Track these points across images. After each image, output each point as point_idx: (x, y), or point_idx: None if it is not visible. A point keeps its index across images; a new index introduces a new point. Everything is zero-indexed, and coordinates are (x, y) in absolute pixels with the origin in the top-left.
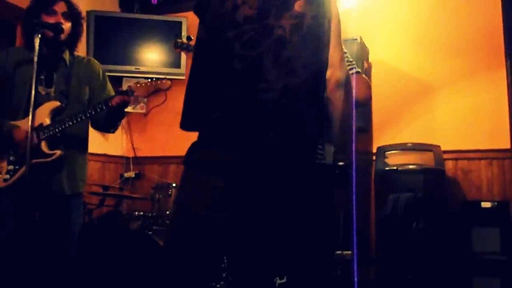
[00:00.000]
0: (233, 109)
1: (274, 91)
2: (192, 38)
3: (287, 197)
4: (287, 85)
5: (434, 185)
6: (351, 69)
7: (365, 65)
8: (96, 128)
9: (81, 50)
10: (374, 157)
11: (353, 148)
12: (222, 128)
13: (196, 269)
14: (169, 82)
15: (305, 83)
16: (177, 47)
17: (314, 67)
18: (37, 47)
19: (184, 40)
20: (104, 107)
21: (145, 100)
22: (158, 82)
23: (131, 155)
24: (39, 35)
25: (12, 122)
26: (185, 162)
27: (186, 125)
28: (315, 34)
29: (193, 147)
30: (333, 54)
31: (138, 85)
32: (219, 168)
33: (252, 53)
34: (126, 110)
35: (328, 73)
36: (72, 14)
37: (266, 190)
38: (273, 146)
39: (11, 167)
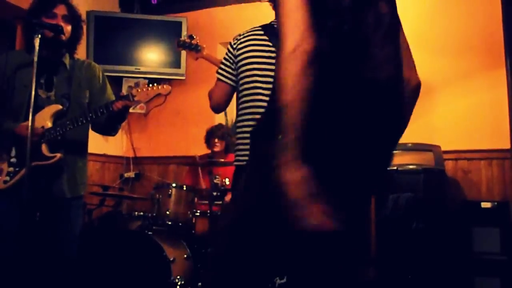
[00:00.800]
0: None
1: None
2: (194, 37)
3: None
4: (373, 79)
5: (434, 185)
6: None
7: None
8: (97, 131)
9: (81, 50)
10: None
11: None
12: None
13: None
14: (170, 87)
15: (389, 80)
16: (180, 45)
17: (396, 66)
18: (37, 48)
19: (187, 39)
20: (105, 111)
21: None
22: (159, 87)
23: (131, 155)
24: (39, 35)
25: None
26: None
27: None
28: (395, 34)
29: None
30: (410, 57)
31: (139, 90)
32: None
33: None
34: None
35: (406, 74)
36: (73, 17)
37: None
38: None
39: (11, 169)
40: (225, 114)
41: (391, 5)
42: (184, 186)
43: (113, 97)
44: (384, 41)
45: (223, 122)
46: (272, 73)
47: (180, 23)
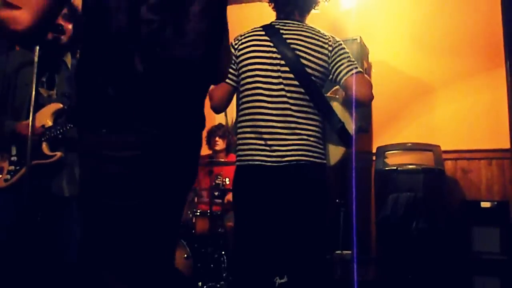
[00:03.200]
0: None
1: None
2: None
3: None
4: (183, 58)
5: (434, 185)
6: (352, 69)
7: (365, 65)
8: None
9: None
10: (374, 157)
11: (353, 148)
12: None
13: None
14: None
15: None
16: None
17: (208, 42)
18: (37, 48)
19: None
20: None
21: None
22: None
23: None
24: None
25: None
26: None
27: None
28: (214, 9)
29: None
30: (228, 55)
31: None
32: None
33: (157, 19)
34: None
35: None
36: (73, 15)
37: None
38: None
39: (12, 167)
40: (225, 114)
41: None
42: None
43: None
44: (201, 16)
45: (223, 122)
46: (273, 74)
47: None
